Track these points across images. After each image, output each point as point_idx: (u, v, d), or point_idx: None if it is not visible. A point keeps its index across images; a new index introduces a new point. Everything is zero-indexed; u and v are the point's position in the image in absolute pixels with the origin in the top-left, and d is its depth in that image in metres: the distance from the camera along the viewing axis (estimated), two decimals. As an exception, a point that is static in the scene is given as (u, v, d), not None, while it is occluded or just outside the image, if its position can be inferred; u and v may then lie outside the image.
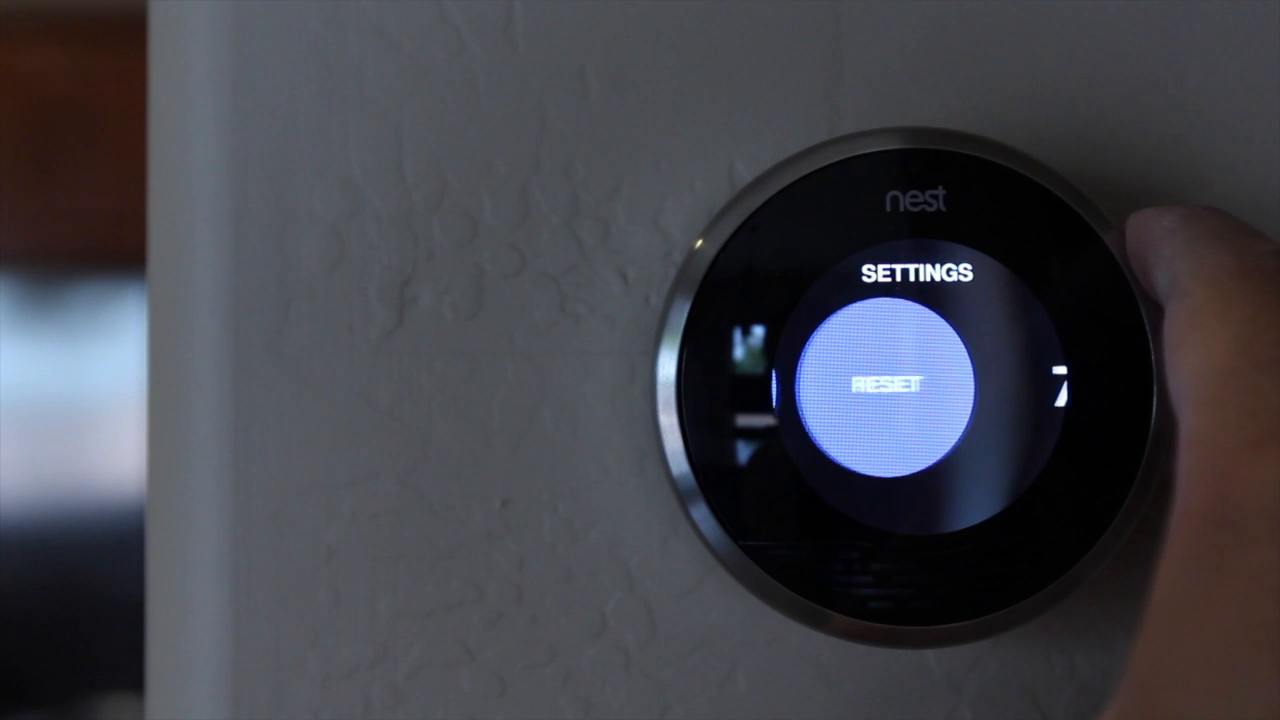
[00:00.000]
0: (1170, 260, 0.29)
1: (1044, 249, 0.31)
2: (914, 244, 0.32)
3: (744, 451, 0.32)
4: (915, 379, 0.32)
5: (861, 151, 0.32)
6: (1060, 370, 0.31)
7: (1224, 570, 0.24)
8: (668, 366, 0.32)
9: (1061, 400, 0.31)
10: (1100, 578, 0.32)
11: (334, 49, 0.34)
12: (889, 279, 0.32)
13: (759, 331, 0.32)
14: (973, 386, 0.32)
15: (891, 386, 0.32)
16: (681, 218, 0.34)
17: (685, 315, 0.32)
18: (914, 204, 0.32)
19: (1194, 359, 0.27)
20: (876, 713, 0.34)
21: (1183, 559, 0.25)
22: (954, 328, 0.32)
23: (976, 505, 0.31)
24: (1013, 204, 0.32)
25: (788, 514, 0.32)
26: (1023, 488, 0.31)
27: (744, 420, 0.32)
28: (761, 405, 0.32)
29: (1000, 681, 0.34)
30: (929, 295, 0.32)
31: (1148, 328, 0.31)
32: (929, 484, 0.32)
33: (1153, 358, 0.31)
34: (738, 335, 0.32)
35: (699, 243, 0.33)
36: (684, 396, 0.32)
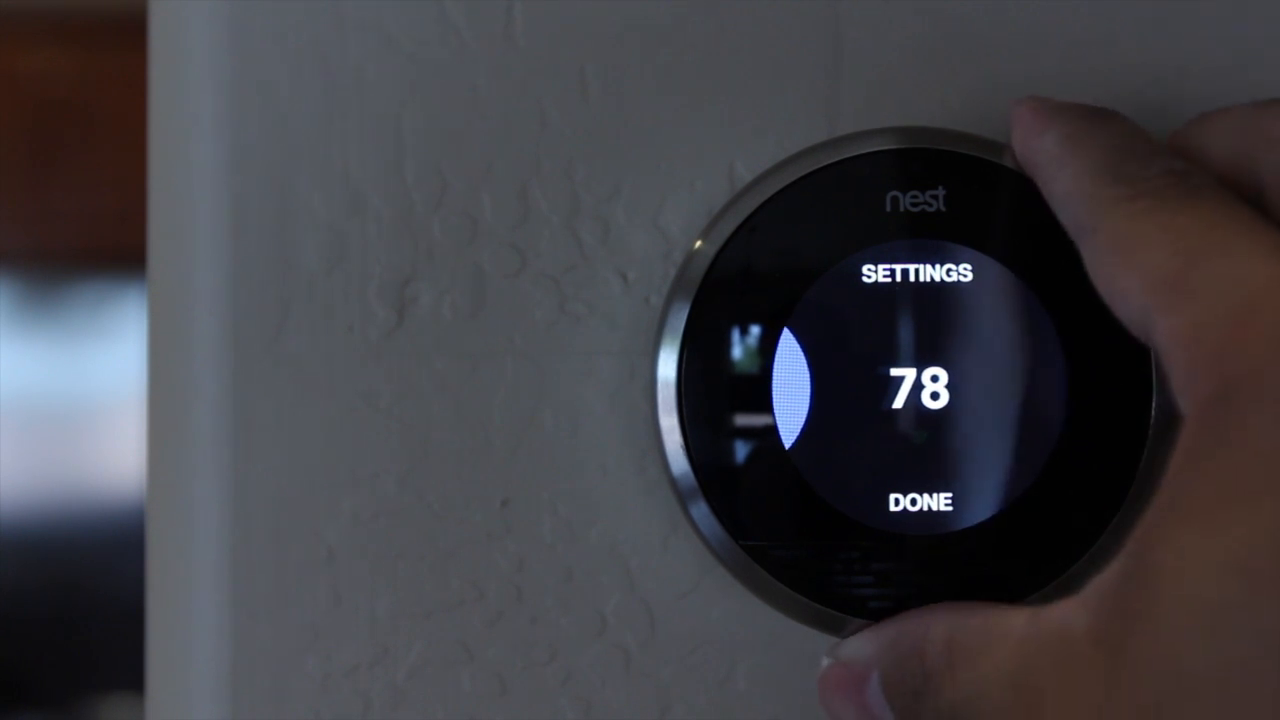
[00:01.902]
0: (1064, 199, 0.30)
1: (1044, 249, 0.31)
2: (914, 244, 0.32)
3: (744, 451, 0.32)
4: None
5: (861, 151, 0.32)
6: (1060, 370, 0.31)
7: (1217, 438, 0.25)
8: (668, 367, 0.32)
9: (1061, 400, 0.31)
10: (1100, 578, 0.32)
11: (334, 49, 0.34)
12: (889, 279, 0.32)
13: (759, 331, 0.32)
14: (973, 386, 0.32)
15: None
16: (681, 218, 0.34)
17: (685, 315, 0.32)
18: (914, 204, 0.32)
19: (1134, 280, 0.27)
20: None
21: (1186, 437, 0.26)
22: (954, 328, 0.32)
23: (977, 505, 0.31)
24: (1013, 204, 0.32)
25: (788, 514, 0.32)
26: (1022, 488, 0.31)
27: (744, 420, 0.32)
28: (761, 405, 0.32)
29: (1000, 681, 0.34)
30: (929, 295, 0.32)
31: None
32: (930, 484, 0.32)
33: (1153, 358, 0.31)
34: (738, 335, 0.32)
35: (699, 243, 0.33)
36: (684, 396, 0.32)
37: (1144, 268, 0.27)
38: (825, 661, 0.31)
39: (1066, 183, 0.29)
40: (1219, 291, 0.26)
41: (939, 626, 0.29)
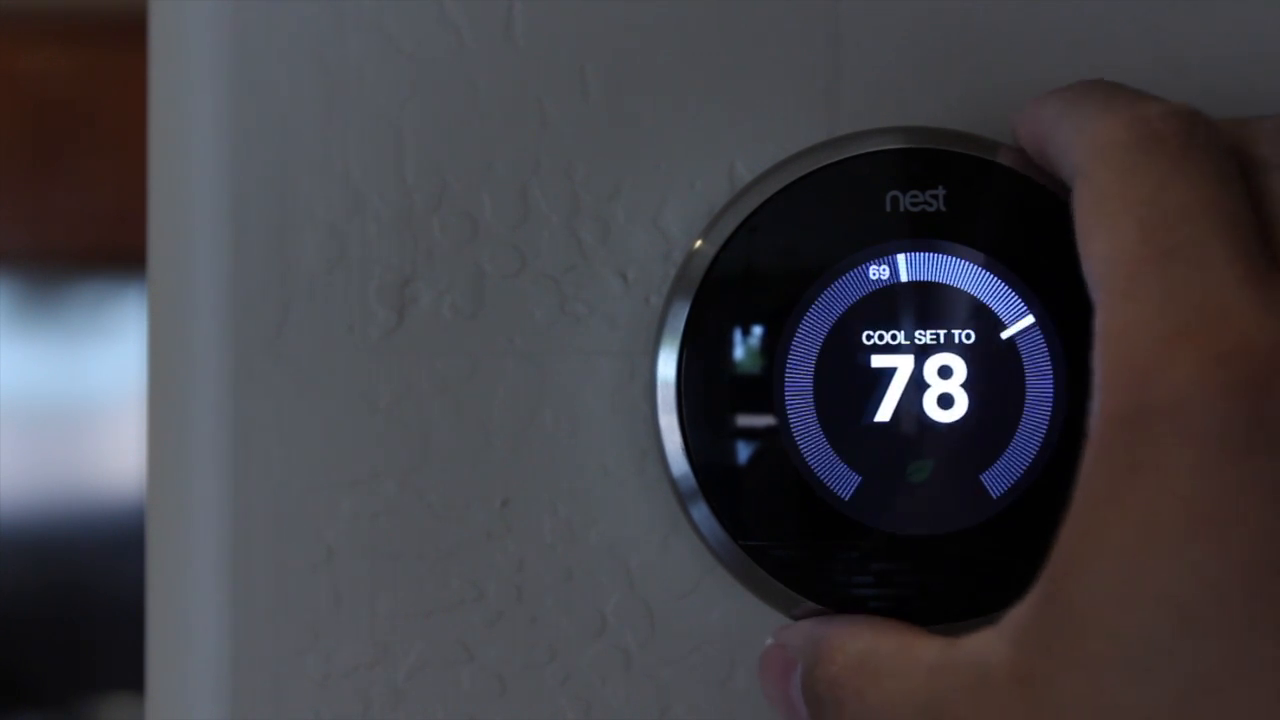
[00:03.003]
0: (1066, 146, 0.28)
1: (1044, 249, 0.31)
2: (914, 244, 0.32)
3: (744, 451, 0.32)
4: (915, 379, 0.32)
5: (861, 151, 0.32)
6: (1060, 370, 0.31)
7: (1133, 469, 0.24)
8: (668, 366, 0.32)
9: (1061, 400, 0.31)
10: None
11: (334, 49, 0.34)
12: (889, 279, 0.32)
13: (759, 331, 0.32)
14: (973, 386, 0.32)
15: (891, 386, 0.32)
16: (681, 218, 0.34)
17: (685, 315, 0.32)
18: (914, 204, 0.32)
19: (1102, 247, 0.26)
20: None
21: (1097, 458, 0.25)
22: (954, 327, 0.32)
23: (976, 505, 0.31)
24: (1013, 204, 0.32)
25: (788, 514, 0.32)
26: (1022, 488, 0.31)
27: (744, 420, 0.32)
28: (761, 405, 0.32)
29: (1000, 681, 0.34)
30: (929, 295, 0.32)
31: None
32: (929, 484, 0.32)
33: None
34: (738, 335, 0.32)
35: (699, 243, 0.33)
36: (684, 396, 0.32)
37: (1114, 242, 0.26)
38: (769, 640, 0.31)
39: (1068, 132, 0.28)
40: (1168, 301, 0.25)
41: (857, 640, 0.29)
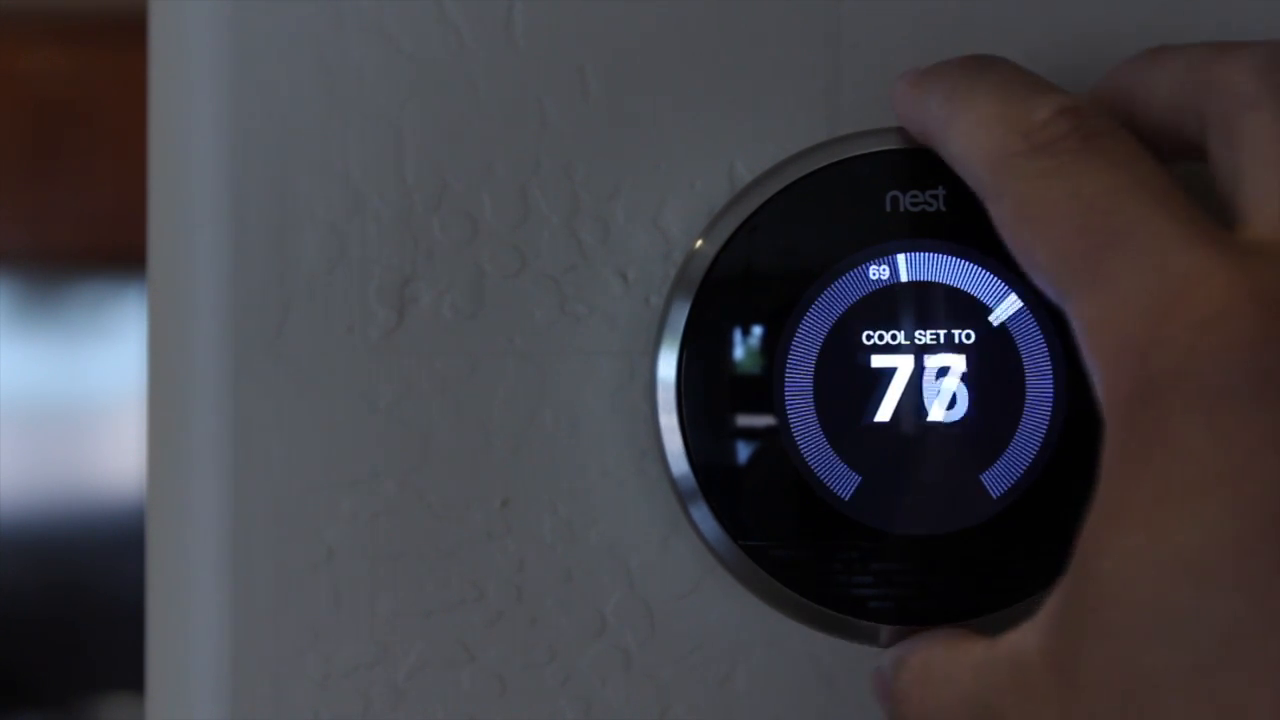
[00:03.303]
0: (961, 161, 0.28)
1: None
2: (914, 244, 0.32)
3: (744, 451, 0.32)
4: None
5: (861, 151, 0.32)
6: (1060, 370, 0.31)
7: (1146, 442, 0.24)
8: (668, 366, 0.32)
9: (1061, 399, 0.31)
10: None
11: (334, 49, 0.34)
12: (888, 279, 0.32)
13: (759, 331, 0.32)
14: (972, 386, 0.32)
15: (891, 386, 0.32)
16: (681, 218, 0.34)
17: (685, 315, 0.32)
18: (914, 204, 0.32)
19: (1044, 255, 0.26)
20: (876, 713, 0.34)
21: (1113, 442, 0.25)
22: (954, 327, 0.32)
23: (976, 505, 0.31)
24: (1013, 204, 0.32)
25: (788, 514, 0.32)
26: (1023, 488, 0.31)
27: (744, 420, 0.32)
28: (761, 405, 0.32)
29: (1000, 681, 0.34)
30: (929, 295, 0.32)
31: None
32: (929, 484, 0.32)
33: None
34: (738, 335, 0.32)
35: (699, 243, 0.33)
36: (684, 396, 0.32)
37: (1054, 244, 0.26)
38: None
39: (959, 142, 0.28)
40: (1135, 280, 0.25)
41: (917, 653, 0.30)
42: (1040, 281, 0.27)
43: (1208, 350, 0.24)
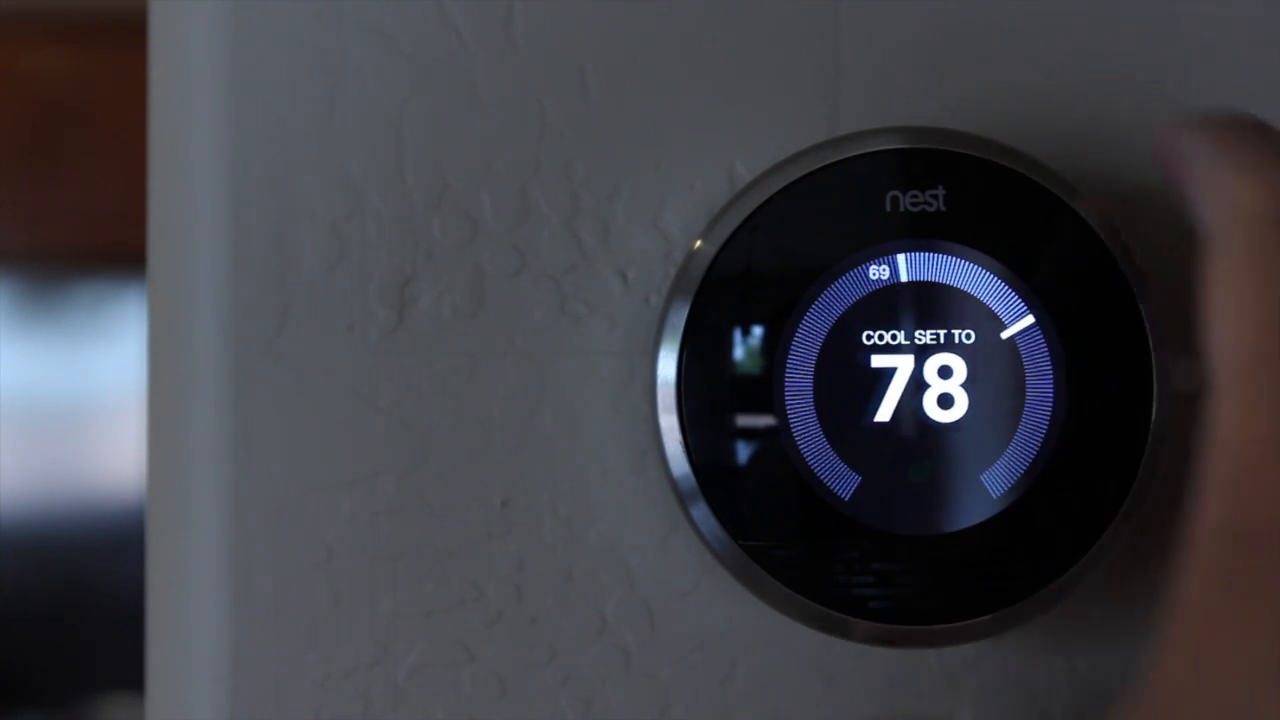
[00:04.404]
0: (1206, 199, 0.27)
1: (1043, 248, 0.31)
2: (914, 244, 0.32)
3: (744, 451, 0.32)
4: (915, 379, 0.32)
5: (861, 151, 0.32)
6: (1060, 371, 0.31)
7: (1243, 596, 0.23)
8: (668, 366, 0.32)
9: (1061, 401, 0.31)
10: (1100, 578, 0.32)
11: (334, 49, 0.34)
12: (888, 278, 0.32)
13: (759, 331, 0.32)
14: (972, 386, 0.32)
15: (891, 386, 0.32)
16: (681, 218, 0.34)
17: (685, 315, 0.32)
18: (914, 204, 0.32)
19: (1225, 332, 0.25)
20: (876, 712, 0.34)
21: (1202, 571, 0.24)
22: (954, 328, 0.32)
23: (976, 505, 0.31)
24: (1013, 204, 0.32)
25: (788, 514, 0.32)
26: (1023, 488, 0.31)
27: (744, 420, 0.32)
28: (761, 405, 0.32)
29: (1000, 681, 0.34)
30: (929, 295, 0.32)
31: (1147, 326, 0.31)
32: (929, 484, 0.32)
33: (1153, 358, 0.31)
34: (738, 335, 0.32)
35: (699, 243, 0.33)
36: (684, 396, 0.32)
37: (1237, 326, 0.25)
38: None
39: (1211, 183, 0.27)
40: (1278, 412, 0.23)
41: None
42: (1208, 348, 0.25)
43: None
